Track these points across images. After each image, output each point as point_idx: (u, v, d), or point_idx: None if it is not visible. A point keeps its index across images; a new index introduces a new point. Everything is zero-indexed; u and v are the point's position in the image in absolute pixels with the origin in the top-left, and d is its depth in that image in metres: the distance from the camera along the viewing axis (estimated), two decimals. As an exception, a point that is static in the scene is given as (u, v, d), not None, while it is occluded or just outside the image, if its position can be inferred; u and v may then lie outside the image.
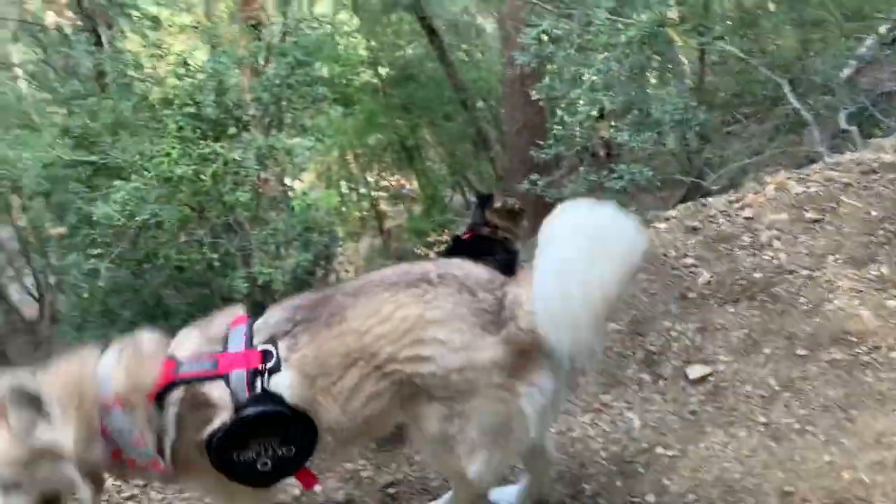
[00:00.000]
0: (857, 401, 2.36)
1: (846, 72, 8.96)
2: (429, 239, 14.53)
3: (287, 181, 11.67)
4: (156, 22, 9.83)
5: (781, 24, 9.10)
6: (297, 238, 9.70)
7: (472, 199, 3.23)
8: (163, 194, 8.30)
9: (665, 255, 3.40)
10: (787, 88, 7.80)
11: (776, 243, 3.32)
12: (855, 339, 2.60)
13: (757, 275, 3.10)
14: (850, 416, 2.32)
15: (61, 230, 8.97)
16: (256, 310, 1.98)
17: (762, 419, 2.36)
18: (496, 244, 3.11)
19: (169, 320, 9.38)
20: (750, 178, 8.33)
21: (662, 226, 3.79)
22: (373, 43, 15.94)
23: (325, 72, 13.57)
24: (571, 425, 2.44)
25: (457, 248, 3.01)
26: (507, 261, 3.04)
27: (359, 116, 15.05)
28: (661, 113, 7.38)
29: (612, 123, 9.30)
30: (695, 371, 2.58)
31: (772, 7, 9.29)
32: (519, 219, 3.30)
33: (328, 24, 15.76)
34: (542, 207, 10.10)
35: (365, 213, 18.62)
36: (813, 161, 7.88)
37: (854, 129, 7.48)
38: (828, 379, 2.44)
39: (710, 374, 2.56)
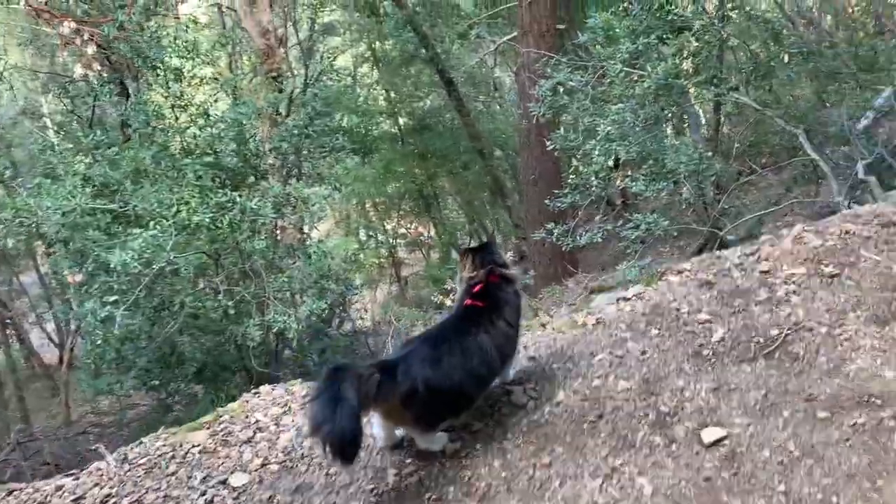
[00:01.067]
0: (884, 469, 2.21)
1: (863, 123, 8.93)
2: (445, 286, 14.52)
3: (305, 229, 11.77)
4: (178, 74, 10.08)
5: (797, 76, 9.11)
6: (312, 286, 9.71)
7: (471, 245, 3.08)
8: (180, 242, 8.36)
9: (678, 310, 3.30)
10: (803, 139, 7.76)
11: (794, 298, 3.20)
12: (879, 402, 2.41)
13: (774, 331, 2.97)
14: (877, 486, 2.16)
15: (80, 277, 9.04)
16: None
17: (782, 488, 2.21)
18: (510, 283, 3.03)
19: (183, 368, 9.40)
20: (766, 230, 8.29)
21: (675, 279, 3.69)
22: (392, 94, 16.23)
23: (344, 122, 13.82)
24: (579, 491, 2.33)
25: (485, 294, 2.87)
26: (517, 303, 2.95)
27: (377, 165, 15.23)
28: (675, 163, 7.36)
29: (628, 173, 9.30)
30: (709, 434, 2.44)
31: (787, 59, 9.32)
32: None
33: (349, 77, 16.12)
34: (559, 255, 10.10)
35: (382, 260, 18.69)
36: (833, 212, 7.82)
37: (872, 179, 7.40)
38: (852, 445, 2.28)
39: (726, 438, 2.42)
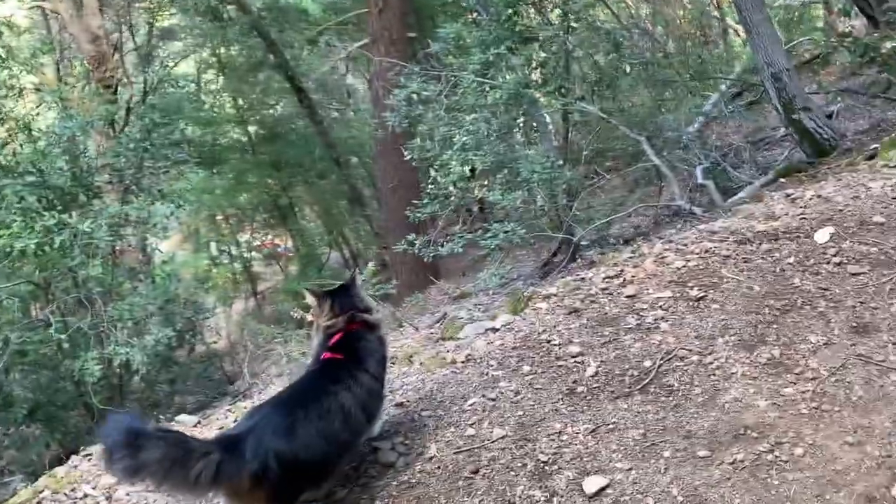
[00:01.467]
0: (767, 509, 2.16)
1: (695, 127, 9.48)
2: (304, 300, 13.99)
3: (148, 249, 10.97)
4: (-10, 83, 9.07)
5: (636, 84, 9.53)
6: (157, 312, 9.10)
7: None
8: (2, 271, 7.60)
9: (549, 342, 3.20)
10: (645, 145, 8.09)
11: (662, 325, 3.15)
12: (755, 435, 2.37)
13: (647, 363, 2.90)
14: (762, 528, 2.12)
15: None
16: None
17: (668, 539, 2.13)
18: (374, 330, 2.76)
19: (12, 410, 8.49)
20: (615, 230, 8.59)
21: (543, 306, 3.60)
22: (240, 101, 15.55)
23: (188, 132, 13.03)
24: (457, 560, 2.13)
25: (345, 344, 2.60)
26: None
27: (227, 176, 14.56)
28: (529, 172, 7.45)
29: (485, 182, 9.33)
30: (591, 484, 2.31)
31: (627, 69, 9.72)
32: None
33: (192, 84, 15.27)
34: (420, 264, 9.99)
35: (237, 275, 17.90)
36: (675, 214, 8.23)
37: (710, 183, 7.84)
38: (733, 484, 2.21)
39: (608, 486, 2.30)
